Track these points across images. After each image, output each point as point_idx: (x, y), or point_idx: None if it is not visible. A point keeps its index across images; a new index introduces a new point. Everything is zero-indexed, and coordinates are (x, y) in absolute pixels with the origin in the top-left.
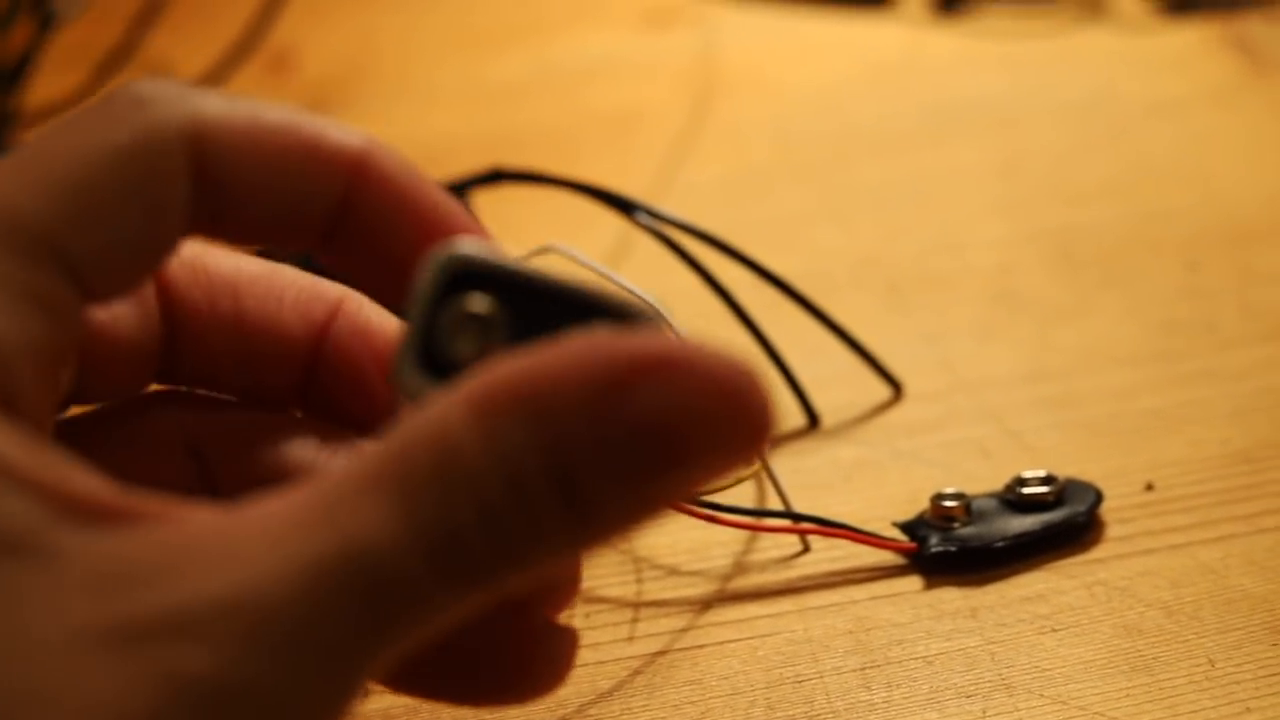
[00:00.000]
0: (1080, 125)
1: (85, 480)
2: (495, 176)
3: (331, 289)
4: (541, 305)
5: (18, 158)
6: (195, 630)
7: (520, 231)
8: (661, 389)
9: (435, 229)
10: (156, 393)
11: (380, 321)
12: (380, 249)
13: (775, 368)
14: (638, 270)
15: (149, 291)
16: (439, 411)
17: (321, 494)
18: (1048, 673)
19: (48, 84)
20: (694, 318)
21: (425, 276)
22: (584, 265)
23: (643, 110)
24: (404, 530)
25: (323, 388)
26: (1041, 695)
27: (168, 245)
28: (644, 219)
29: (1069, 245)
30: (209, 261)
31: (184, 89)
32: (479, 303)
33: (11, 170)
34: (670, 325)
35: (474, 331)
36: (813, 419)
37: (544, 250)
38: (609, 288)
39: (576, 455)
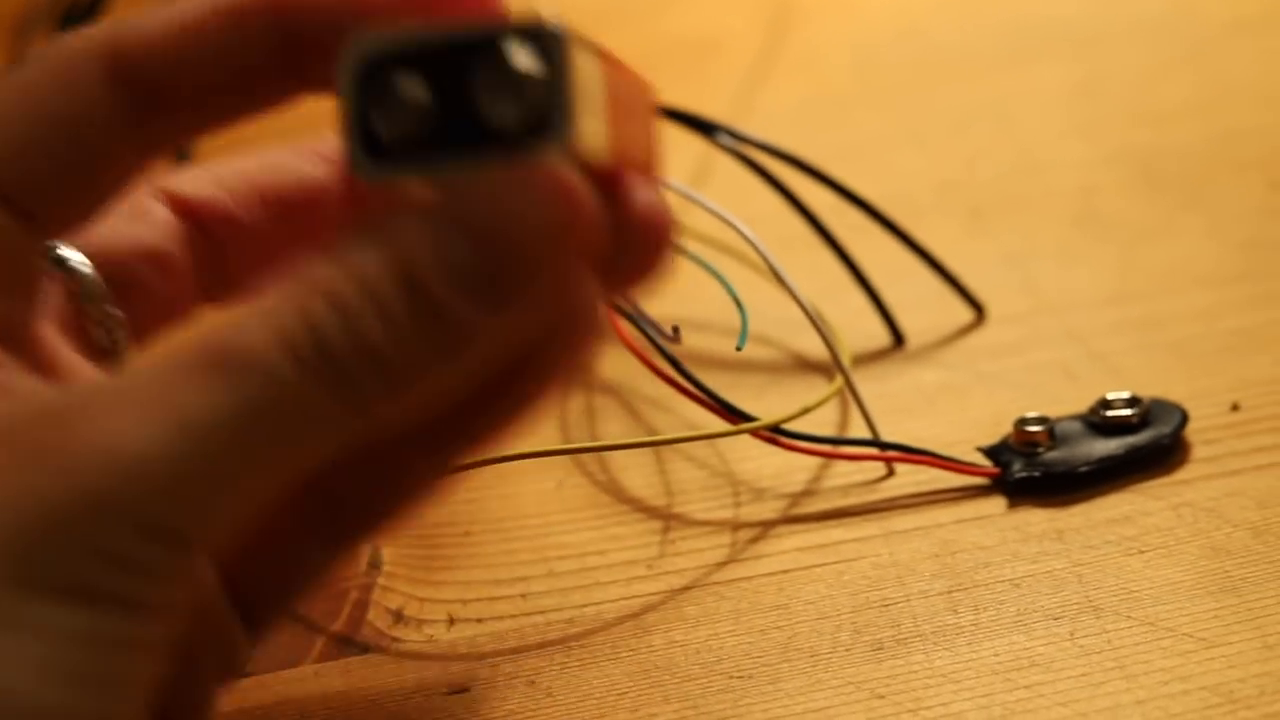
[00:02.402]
0: (1159, 44)
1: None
2: None
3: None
4: (454, 57)
5: None
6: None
7: None
8: (490, 199)
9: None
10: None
11: None
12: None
13: (861, 289)
14: (718, 194)
15: (164, 219)
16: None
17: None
18: (1135, 594)
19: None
20: (776, 240)
21: (342, 73)
22: (671, 188)
23: (720, 36)
24: (269, 336)
25: None
26: (1129, 617)
27: (104, 159)
28: (726, 140)
29: (1150, 165)
30: (217, 168)
31: (107, 21)
32: (402, 82)
33: None
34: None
35: (405, 106)
36: (898, 339)
37: None
38: (513, 13)
39: (422, 265)
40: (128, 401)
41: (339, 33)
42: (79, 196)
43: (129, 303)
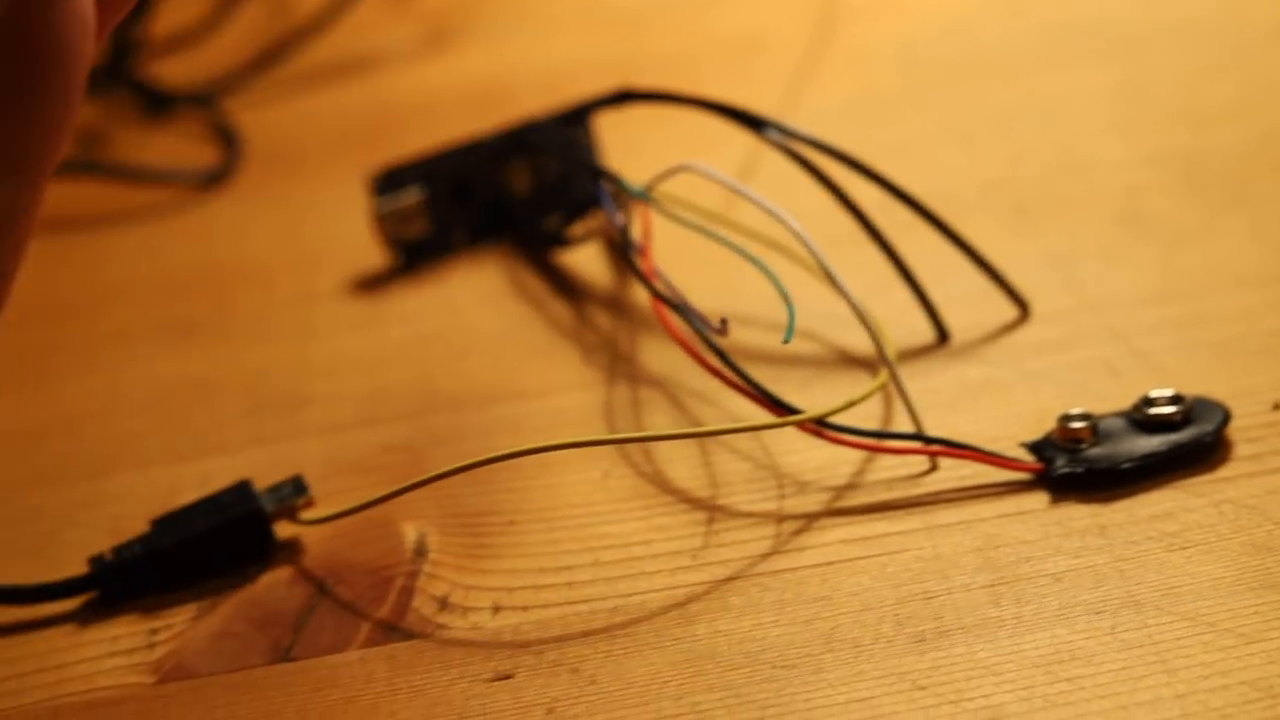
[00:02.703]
0: (1204, 46)
1: None
2: (623, 97)
3: None
4: None
5: None
6: None
7: (648, 152)
8: None
9: None
10: None
11: None
12: None
13: (907, 285)
14: (766, 189)
15: None
16: None
17: None
18: (1176, 590)
19: (172, 13)
20: (823, 236)
21: None
22: (721, 182)
23: (765, 35)
24: None
25: None
26: (1170, 612)
27: None
28: (774, 135)
29: (1194, 166)
30: None
31: None
32: None
33: None
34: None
35: None
36: (943, 335)
37: (678, 169)
38: None
39: None
40: None
41: None
42: None
43: None
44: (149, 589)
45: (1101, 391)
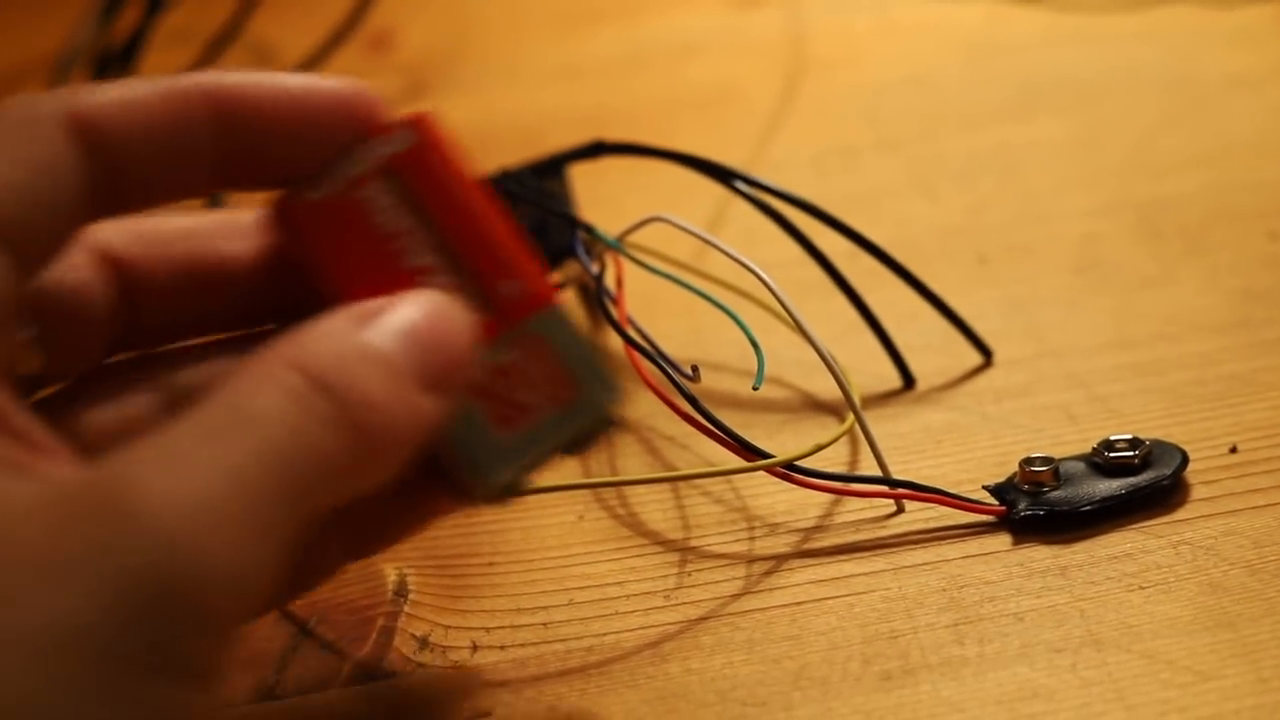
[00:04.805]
0: (1162, 98)
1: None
2: (596, 149)
3: (247, 215)
4: None
5: None
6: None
7: (621, 203)
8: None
9: (303, 107)
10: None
11: None
12: (270, 154)
13: (873, 332)
14: (735, 240)
15: (90, 265)
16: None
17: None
18: (1135, 629)
19: (156, 64)
20: (792, 285)
21: None
22: (691, 233)
23: (734, 88)
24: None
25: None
26: (1129, 650)
27: (74, 213)
28: (743, 187)
29: (1152, 216)
30: (144, 223)
31: (65, 89)
32: None
33: None
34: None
35: None
36: (909, 381)
37: (650, 220)
38: None
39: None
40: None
41: (270, 136)
42: (53, 245)
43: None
44: None
45: (1062, 435)
